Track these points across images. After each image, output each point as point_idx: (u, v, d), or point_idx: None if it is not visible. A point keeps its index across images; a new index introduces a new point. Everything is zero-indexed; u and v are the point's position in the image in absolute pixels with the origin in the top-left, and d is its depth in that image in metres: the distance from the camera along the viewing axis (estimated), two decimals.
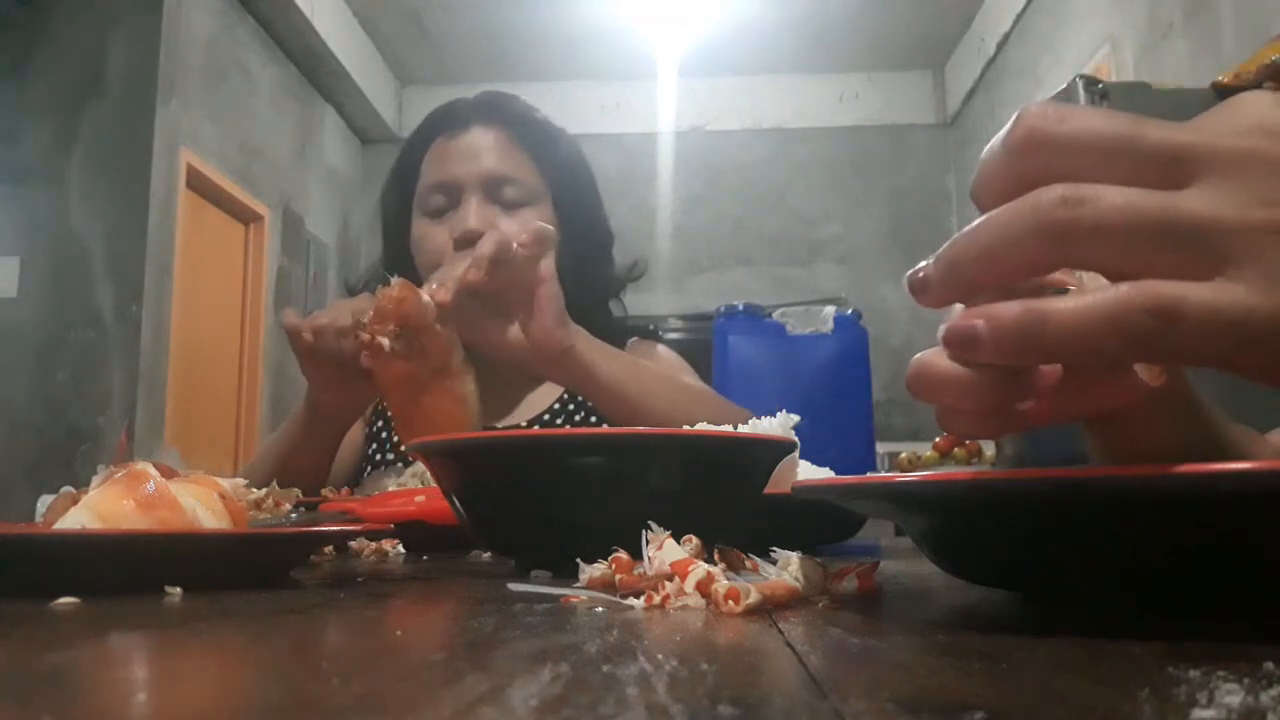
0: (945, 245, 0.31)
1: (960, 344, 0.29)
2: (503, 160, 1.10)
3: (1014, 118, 0.30)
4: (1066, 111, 0.30)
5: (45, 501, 0.62)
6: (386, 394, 0.84)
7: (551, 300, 0.83)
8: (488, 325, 0.85)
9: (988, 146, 0.31)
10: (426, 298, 0.79)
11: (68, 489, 0.57)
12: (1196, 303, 0.27)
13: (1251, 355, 0.28)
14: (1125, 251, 0.28)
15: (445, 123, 1.14)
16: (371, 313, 0.80)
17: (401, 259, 1.14)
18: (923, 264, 0.31)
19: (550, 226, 0.84)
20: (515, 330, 0.84)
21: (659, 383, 0.94)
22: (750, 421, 0.71)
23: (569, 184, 1.15)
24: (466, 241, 1.06)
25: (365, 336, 0.80)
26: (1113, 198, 0.28)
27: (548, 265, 0.83)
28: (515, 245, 0.81)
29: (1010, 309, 0.28)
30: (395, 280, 0.81)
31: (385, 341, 0.79)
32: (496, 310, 0.84)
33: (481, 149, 1.10)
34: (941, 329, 0.30)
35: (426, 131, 1.15)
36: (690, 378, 1.16)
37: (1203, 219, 0.28)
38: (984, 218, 0.30)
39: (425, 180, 1.12)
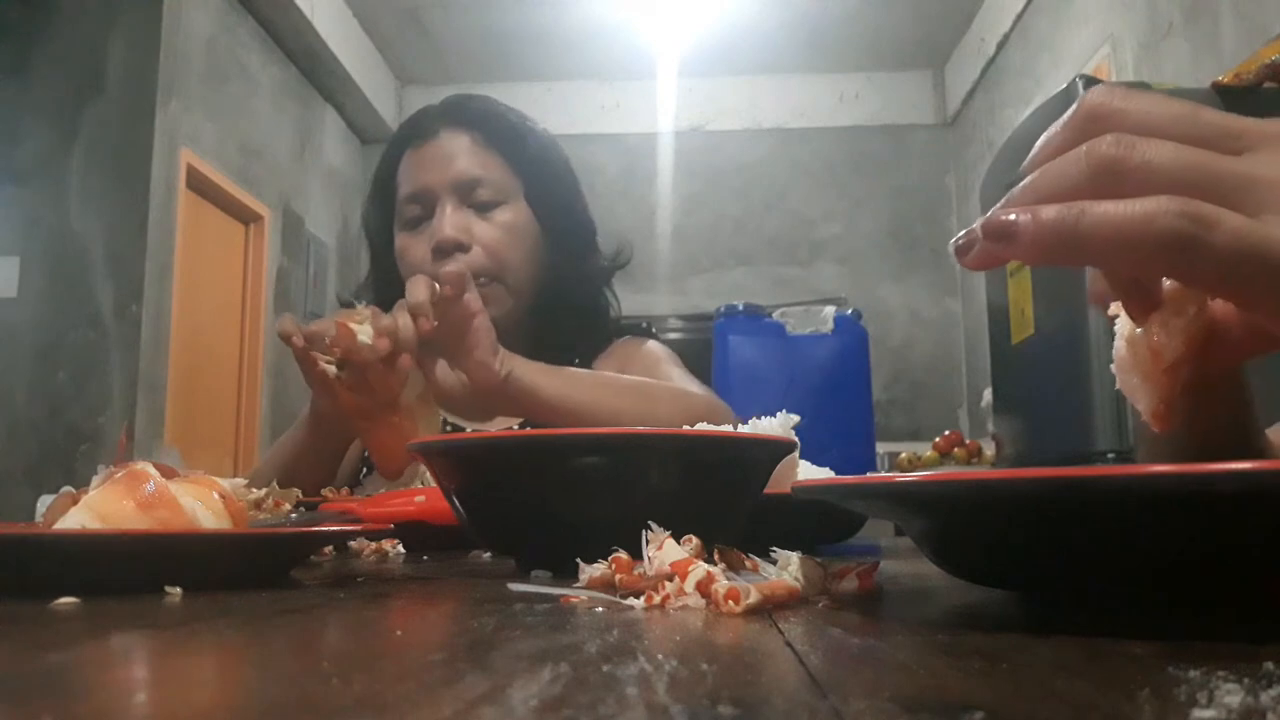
0: (996, 205, 0.31)
1: (998, 235, 0.30)
2: (471, 162, 1.10)
3: (1079, 99, 0.32)
4: (1128, 92, 0.31)
5: (45, 501, 0.62)
6: (348, 419, 0.85)
7: (484, 333, 0.83)
8: (425, 368, 0.84)
9: (1048, 130, 0.32)
10: (364, 337, 0.77)
11: (68, 489, 0.57)
12: (1231, 220, 0.28)
13: (1273, 291, 0.29)
14: (1169, 190, 0.29)
15: (413, 132, 1.14)
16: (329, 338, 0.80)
17: (389, 273, 1.15)
18: (966, 230, 0.32)
19: (464, 268, 0.84)
20: (454, 373, 0.84)
21: (605, 387, 0.93)
22: (750, 421, 0.71)
23: (542, 177, 1.14)
24: (442, 250, 1.06)
25: (311, 359, 0.80)
26: (1162, 143, 0.29)
27: (474, 299, 0.83)
28: (438, 288, 0.81)
29: (1051, 205, 0.29)
30: (344, 311, 0.81)
31: (331, 369, 0.80)
32: (431, 351, 0.83)
33: (450, 154, 1.10)
34: (979, 222, 0.31)
35: (397, 143, 1.16)
36: (674, 369, 1.14)
37: (1247, 175, 0.29)
38: (1037, 171, 0.31)
39: (401, 192, 1.12)
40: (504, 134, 1.13)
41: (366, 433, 0.84)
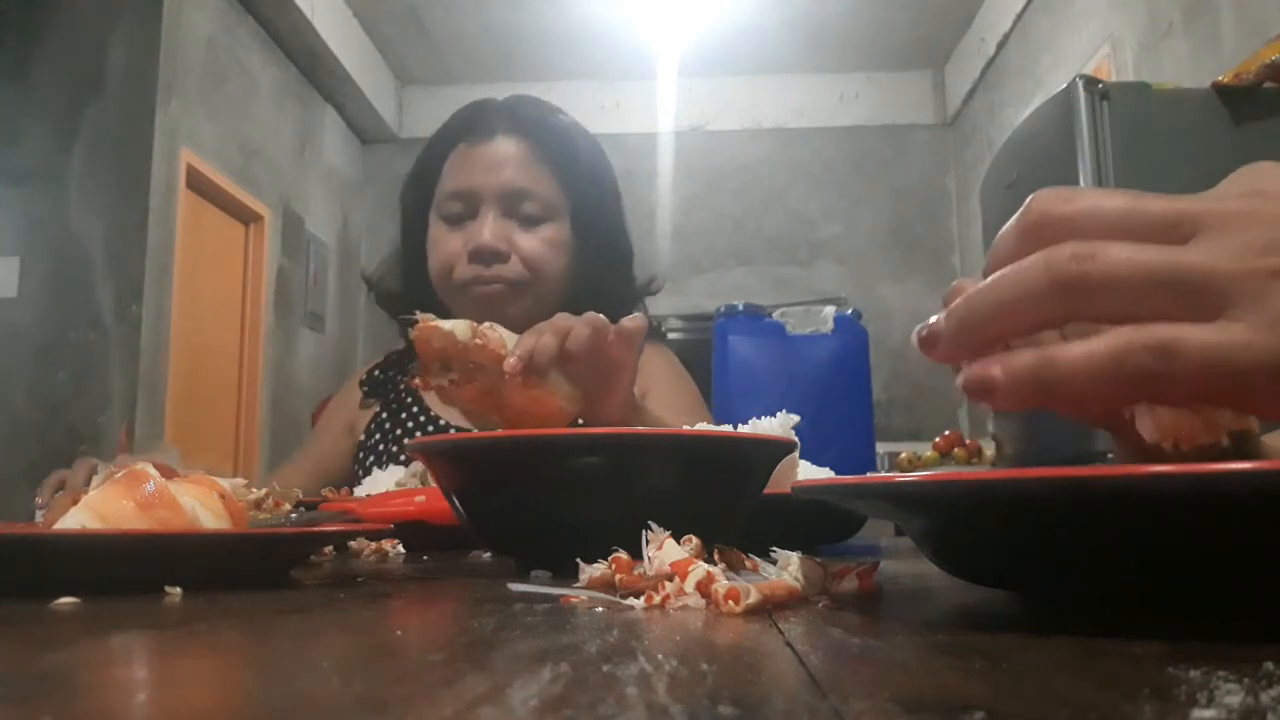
0: (957, 301, 0.32)
1: (978, 390, 0.31)
2: (522, 173, 1.09)
3: (1024, 204, 0.32)
4: (1072, 193, 0.32)
5: None
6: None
7: (630, 377, 0.79)
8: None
9: (1001, 231, 0.33)
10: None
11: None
12: (1194, 341, 0.29)
13: (1252, 392, 0.29)
14: (1132, 301, 0.30)
15: (469, 128, 1.13)
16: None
17: (418, 256, 1.15)
18: (932, 319, 0.33)
19: (645, 324, 0.78)
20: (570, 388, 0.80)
21: None
22: (750, 421, 0.71)
23: (590, 198, 1.14)
24: (480, 256, 1.06)
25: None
26: (1118, 250, 0.30)
27: (633, 353, 0.78)
28: (611, 334, 0.75)
29: (1023, 356, 0.31)
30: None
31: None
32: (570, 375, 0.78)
33: (502, 160, 1.09)
34: (960, 378, 0.32)
35: (450, 134, 1.14)
36: (701, 412, 1.15)
37: (1203, 267, 0.30)
38: (996, 274, 0.32)
39: (444, 186, 1.12)
40: (558, 148, 1.12)
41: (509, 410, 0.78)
